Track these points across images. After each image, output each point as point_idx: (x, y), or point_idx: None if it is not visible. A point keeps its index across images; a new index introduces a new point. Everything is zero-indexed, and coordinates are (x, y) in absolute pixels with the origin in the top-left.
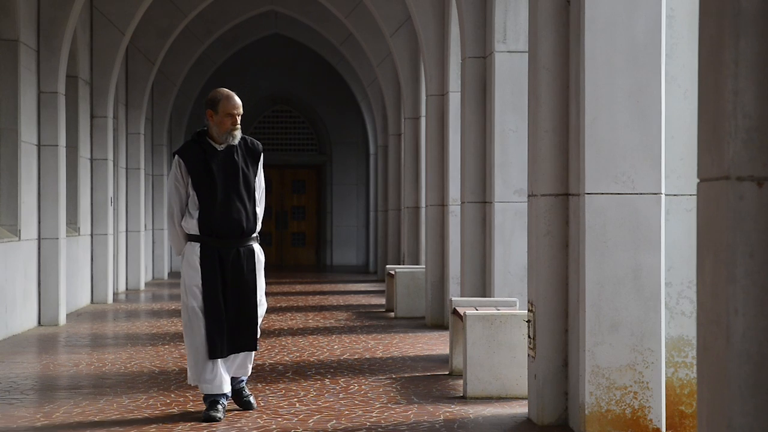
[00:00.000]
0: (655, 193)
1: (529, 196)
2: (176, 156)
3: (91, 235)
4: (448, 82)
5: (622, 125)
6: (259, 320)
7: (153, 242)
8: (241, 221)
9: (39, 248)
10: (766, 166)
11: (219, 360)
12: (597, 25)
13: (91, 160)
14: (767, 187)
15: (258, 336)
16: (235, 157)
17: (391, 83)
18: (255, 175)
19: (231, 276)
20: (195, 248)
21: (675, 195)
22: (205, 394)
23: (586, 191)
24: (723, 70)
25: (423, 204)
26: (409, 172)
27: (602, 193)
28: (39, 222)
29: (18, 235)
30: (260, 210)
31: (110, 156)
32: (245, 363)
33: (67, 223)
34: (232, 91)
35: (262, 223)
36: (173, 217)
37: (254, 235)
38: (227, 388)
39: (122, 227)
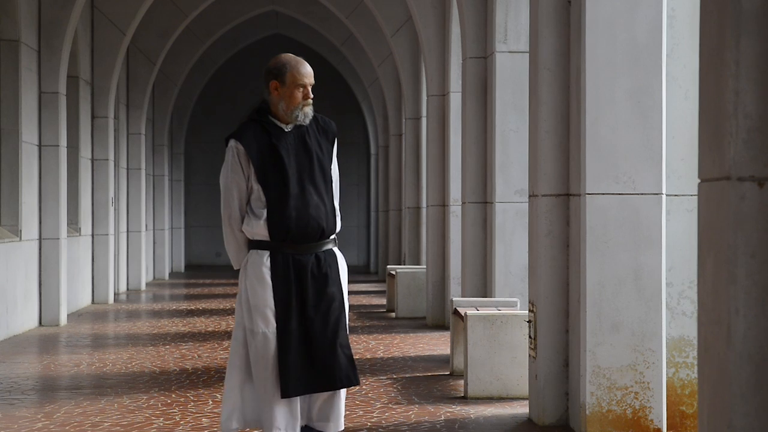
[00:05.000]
0: (656, 194)
1: (529, 196)
2: (232, 141)
3: (92, 236)
4: (448, 83)
5: (622, 125)
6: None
7: (154, 242)
8: (320, 219)
9: (40, 248)
10: (767, 166)
11: (293, 400)
12: (598, 25)
13: (92, 160)
14: None
15: (354, 367)
16: (307, 139)
17: (392, 83)
18: (330, 162)
19: (312, 290)
20: (263, 258)
21: (676, 195)
22: None
23: (587, 191)
24: (724, 70)
25: (424, 204)
26: (410, 173)
27: (603, 194)
28: (40, 222)
29: (19, 235)
30: (338, 205)
31: (111, 156)
32: (333, 409)
33: (68, 224)
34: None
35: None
36: (232, 219)
37: (333, 236)
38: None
39: (123, 227)
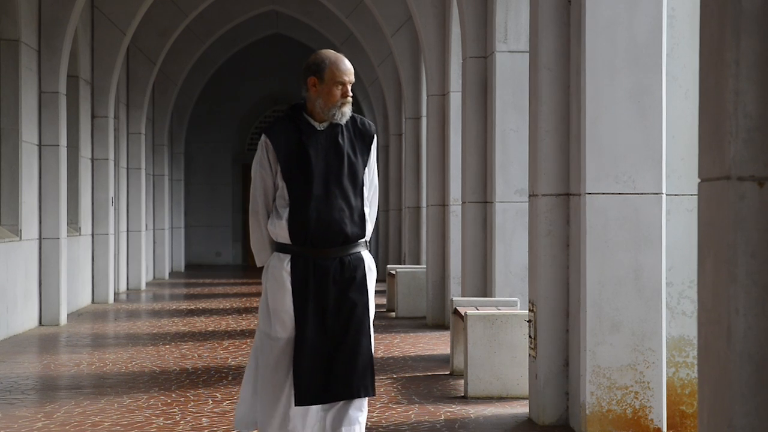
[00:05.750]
0: (656, 193)
1: (530, 195)
2: (263, 135)
3: (92, 235)
4: (449, 82)
5: (623, 125)
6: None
7: (154, 242)
8: (343, 223)
9: (40, 248)
10: (767, 165)
11: (306, 409)
12: (598, 25)
13: (92, 159)
14: None
15: (372, 377)
16: (340, 139)
17: (392, 83)
18: (365, 165)
19: (333, 295)
20: (284, 261)
21: (676, 195)
22: None
23: (587, 191)
24: (724, 70)
25: (424, 204)
26: (410, 172)
27: (603, 193)
28: (40, 222)
29: (19, 235)
30: (371, 211)
31: (111, 156)
32: (346, 416)
33: (68, 223)
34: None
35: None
36: (258, 215)
37: (362, 241)
38: None
39: (123, 227)
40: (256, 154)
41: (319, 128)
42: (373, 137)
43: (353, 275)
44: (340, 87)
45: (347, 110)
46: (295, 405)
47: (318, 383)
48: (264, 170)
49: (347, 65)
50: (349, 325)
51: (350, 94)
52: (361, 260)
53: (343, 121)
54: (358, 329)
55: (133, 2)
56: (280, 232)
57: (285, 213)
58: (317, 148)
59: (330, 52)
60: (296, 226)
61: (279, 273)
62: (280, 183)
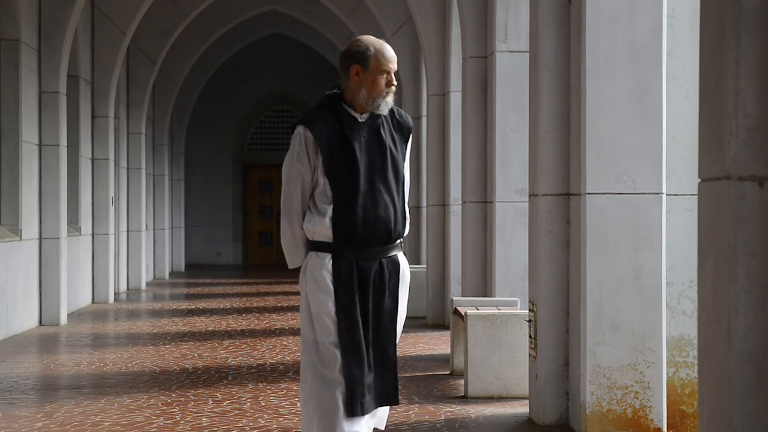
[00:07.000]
0: (656, 193)
1: (530, 195)
2: (300, 127)
3: (92, 235)
4: (449, 82)
5: (623, 125)
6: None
7: (154, 242)
8: (389, 221)
9: (40, 248)
10: (767, 165)
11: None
12: (598, 25)
13: (92, 159)
14: None
15: (398, 384)
16: (382, 131)
17: None
18: (403, 159)
19: (372, 299)
20: (324, 262)
21: (676, 195)
22: None
23: (587, 191)
24: (724, 70)
25: (424, 204)
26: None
27: (603, 193)
28: (40, 222)
29: (19, 234)
30: (407, 207)
31: (111, 156)
32: (381, 421)
33: (68, 223)
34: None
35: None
36: (292, 214)
37: (400, 241)
38: None
39: (123, 227)
40: (292, 149)
41: (360, 120)
42: (410, 129)
43: (388, 281)
44: (385, 76)
45: (390, 100)
46: (348, 415)
47: (366, 390)
48: (302, 165)
49: (392, 52)
50: (380, 332)
51: (395, 82)
52: (398, 265)
53: (386, 112)
54: (391, 338)
55: (133, 2)
56: (321, 230)
57: (328, 211)
58: (360, 141)
59: (373, 39)
60: (342, 225)
61: (319, 273)
62: (321, 179)
